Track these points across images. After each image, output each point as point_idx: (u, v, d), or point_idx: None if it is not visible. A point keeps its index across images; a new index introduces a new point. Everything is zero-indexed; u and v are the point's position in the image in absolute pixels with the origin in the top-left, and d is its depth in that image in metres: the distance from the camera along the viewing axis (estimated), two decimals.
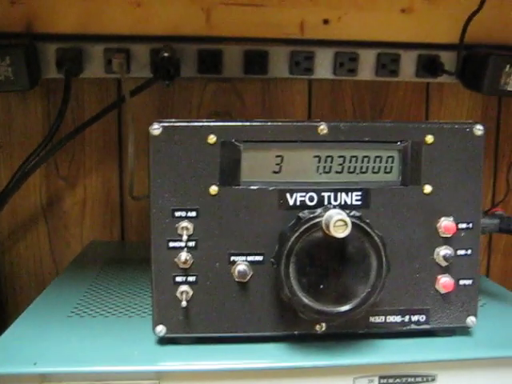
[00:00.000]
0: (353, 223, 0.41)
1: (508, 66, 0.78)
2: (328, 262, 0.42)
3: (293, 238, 0.41)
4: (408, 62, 0.83)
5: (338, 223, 0.39)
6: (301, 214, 0.43)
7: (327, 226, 0.40)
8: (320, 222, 0.41)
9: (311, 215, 0.42)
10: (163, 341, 0.47)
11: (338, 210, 0.41)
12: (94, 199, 0.87)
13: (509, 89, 0.79)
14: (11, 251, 0.87)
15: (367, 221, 0.42)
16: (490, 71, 0.78)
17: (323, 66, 0.82)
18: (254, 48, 0.81)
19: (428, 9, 0.83)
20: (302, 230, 0.41)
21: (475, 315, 0.48)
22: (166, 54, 0.77)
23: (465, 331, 0.49)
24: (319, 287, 0.42)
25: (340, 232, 0.40)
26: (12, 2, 0.78)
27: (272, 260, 0.44)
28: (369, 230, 0.42)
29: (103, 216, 0.87)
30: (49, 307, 0.55)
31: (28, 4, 0.79)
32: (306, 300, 0.42)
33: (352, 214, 0.42)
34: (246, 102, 0.86)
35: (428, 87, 0.88)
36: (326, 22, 0.83)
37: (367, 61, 0.83)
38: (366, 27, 0.83)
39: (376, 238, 0.42)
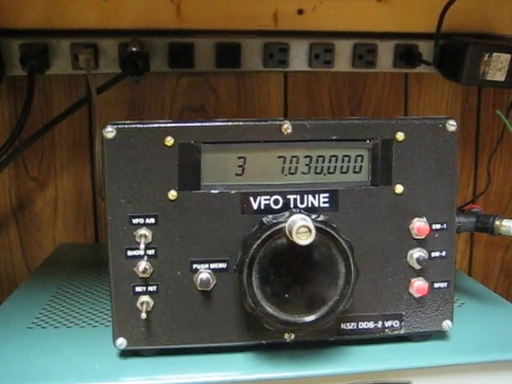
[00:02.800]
0: (318, 228, 0.39)
1: (487, 55, 0.76)
2: (293, 270, 0.40)
3: (255, 246, 0.39)
4: (385, 53, 0.81)
5: (301, 229, 0.37)
6: (264, 219, 0.41)
7: (290, 233, 0.38)
8: (283, 227, 0.39)
9: (274, 221, 0.40)
10: (125, 353, 0.45)
11: (301, 216, 0.39)
12: (66, 200, 0.84)
13: (488, 78, 0.77)
14: None
15: (334, 225, 0.40)
16: (469, 61, 0.76)
17: (298, 58, 0.80)
18: (227, 41, 0.78)
19: None
20: (264, 236, 0.39)
21: (451, 319, 0.46)
22: (134, 49, 0.74)
23: (441, 335, 0.47)
24: (284, 296, 0.40)
25: (303, 239, 0.37)
26: None
27: (234, 268, 0.42)
28: (335, 235, 0.39)
29: (76, 217, 0.85)
30: (10, 318, 0.53)
31: None
32: (270, 310, 0.40)
33: (318, 218, 0.40)
34: (220, 96, 0.84)
35: (407, 78, 0.86)
36: (300, 12, 0.80)
37: (343, 52, 0.80)
38: (342, 17, 0.80)
39: (343, 243, 0.40)
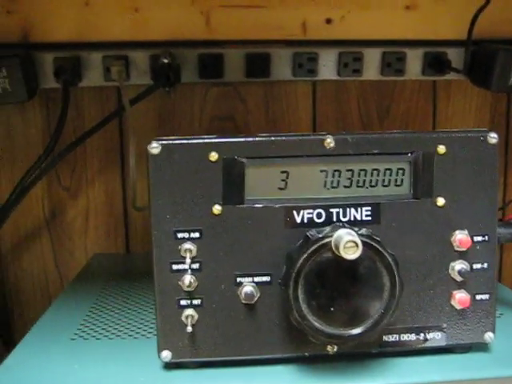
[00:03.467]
0: (363, 242, 0.39)
1: None
2: (338, 283, 0.40)
3: (301, 260, 0.39)
4: (414, 60, 0.81)
5: (348, 244, 0.38)
6: (309, 234, 0.41)
7: (337, 247, 0.38)
8: (329, 242, 0.39)
9: (320, 235, 0.40)
10: (169, 366, 0.45)
11: (347, 230, 0.39)
12: (98, 210, 0.85)
13: None
14: (15, 264, 0.85)
15: (378, 239, 0.40)
16: (499, 67, 0.75)
17: (327, 67, 0.80)
18: (256, 51, 0.79)
19: (433, 4, 0.80)
20: (310, 251, 0.39)
21: (493, 331, 0.46)
22: (165, 61, 0.75)
23: (482, 347, 0.47)
24: (330, 310, 0.40)
25: (350, 253, 0.38)
26: (8, 12, 0.76)
27: (279, 281, 0.42)
28: (380, 248, 0.40)
29: (107, 226, 0.86)
30: (51, 329, 0.54)
31: (23, 13, 0.77)
32: (316, 324, 0.40)
33: (362, 232, 0.40)
34: (248, 106, 0.84)
35: (435, 85, 0.86)
36: (328, 21, 0.80)
37: (372, 60, 0.80)
38: (370, 26, 0.80)
39: (388, 256, 0.40)
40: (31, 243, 0.85)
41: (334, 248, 0.39)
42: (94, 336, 0.52)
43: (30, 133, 0.82)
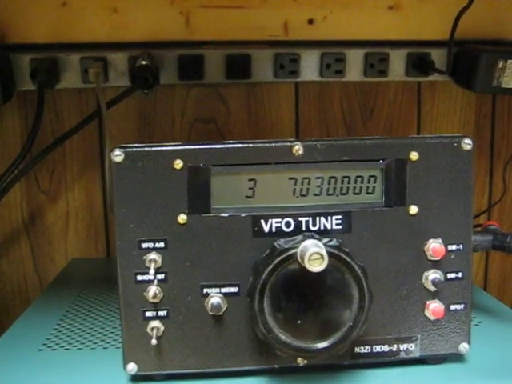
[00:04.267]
0: (331, 253, 0.38)
1: (501, 62, 0.74)
2: (306, 295, 0.39)
3: (266, 272, 0.38)
4: (397, 61, 0.80)
5: (313, 256, 0.36)
6: (276, 243, 0.40)
7: (302, 259, 0.37)
8: (295, 253, 0.38)
9: (286, 246, 0.39)
10: (136, 378, 0.44)
11: (314, 241, 0.38)
12: (77, 213, 0.84)
13: (503, 86, 0.76)
14: None
15: (346, 250, 0.39)
16: (483, 68, 0.74)
17: (309, 68, 0.79)
18: (236, 52, 0.78)
19: (416, 5, 0.79)
20: (275, 262, 0.38)
21: (468, 342, 0.45)
22: (143, 62, 0.73)
23: (458, 358, 0.46)
24: (297, 322, 0.39)
25: (316, 266, 0.36)
26: None
27: (246, 293, 0.41)
28: (349, 260, 0.39)
29: (87, 230, 0.84)
30: (21, 339, 0.53)
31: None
32: (283, 337, 0.39)
33: (330, 243, 0.39)
34: (230, 108, 0.83)
35: (419, 86, 0.85)
36: (310, 21, 0.79)
37: (355, 61, 0.79)
38: (353, 26, 0.79)
39: (357, 268, 0.39)
40: (10, 247, 0.84)
41: (299, 259, 0.38)
42: (62, 346, 0.51)
43: (7, 135, 0.81)
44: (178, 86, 0.80)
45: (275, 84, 0.82)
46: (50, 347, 0.51)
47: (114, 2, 0.77)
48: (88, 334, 0.54)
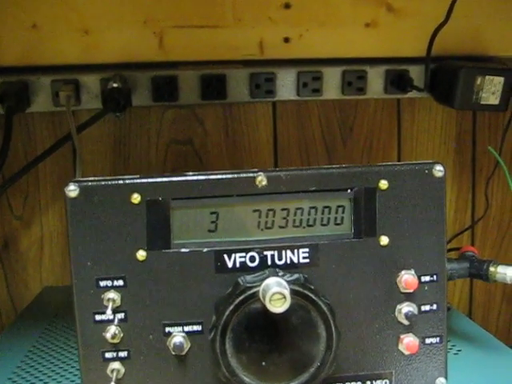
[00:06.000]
0: (295, 292, 0.36)
1: (479, 78, 0.73)
2: (270, 336, 0.37)
3: (227, 312, 0.36)
4: (375, 79, 0.78)
5: (274, 297, 0.34)
6: (240, 280, 0.38)
7: (264, 299, 0.35)
8: (257, 292, 0.36)
9: (248, 284, 0.37)
10: None
11: (276, 279, 0.36)
12: (52, 238, 0.82)
13: (482, 102, 0.74)
14: None
15: (312, 287, 0.37)
16: (461, 85, 0.73)
17: (286, 87, 0.78)
18: (211, 72, 0.76)
19: (393, 22, 0.78)
20: (237, 302, 0.36)
21: (445, 376, 0.43)
22: (114, 85, 0.72)
23: None
24: (261, 364, 0.37)
25: (278, 306, 0.35)
26: None
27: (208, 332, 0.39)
28: (315, 298, 0.37)
29: (62, 256, 0.82)
30: None
31: None
32: (247, 379, 0.37)
33: (295, 280, 0.37)
34: (207, 129, 0.81)
35: (399, 103, 0.83)
36: (286, 40, 0.78)
37: (332, 79, 0.78)
38: (329, 44, 0.78)
39: (323, 305, 0.37)
40: None
41: (261, 299, 0.36)
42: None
43: None
44: (153, 107, 0.79)
45: (252, 104, 0.80)
46: None
47: (85, 23, 0.75)
48: (53, 371, 0.51)
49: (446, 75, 0.75)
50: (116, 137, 0.81)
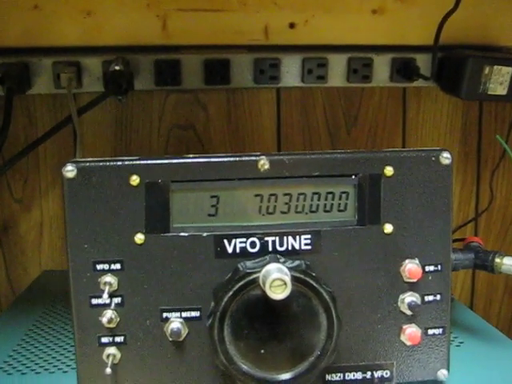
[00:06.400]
0: (297, 278, 0.35)
1: (487, 68, 0.72)
2: (269, 323, 0.36)
3: (226, 298, 0.35)
4: (381, 67, 0.77)
5: (275, 283, 0.34)
6: (240, 266, 0.37)
7: (264, 285, 0.34)
8: (257, 278, 0.35)
9: (248, 270, 0.36)
10: None
11: (277, 265, 0.35)
12: (52, 222, 0.81)
13: (489, 92, 0.73)
14: None
15: (313, 274, 0.36)
16: (469, 74, 0.72)
17: (290, 74, 0.76)
18: (215, 56, 0.75)
19: (401, 9, 0.76)
20: (236, 288, 0.35)
21: (447, 368, 0.42)
22: (116, 68, 0.71)
23: None
24: (260, 352, 0.36)
25: (278, 293, 0.34)
26: None
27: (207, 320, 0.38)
28: (316, 285, 0.36)
29: (62, 240, 0.81)
30: None
31: None
32: (245, 367, 0.36)
33: (296, 266, 0.36)
34: (210, 114, 0.80)
35: (404, 92, 0.82)
36: (291, 25, 0.76)
37: (337, 66, 0.77)
38: (335, 30, 0.77)
39: (325, 293, 0.36)
40: None
41: (261, 285, 0.35)
42: (19, 370, 0.48)
43: None
44: (155, 91, 0.78)
45: (256, 90, 0.79)
46: (6, 371, 0.48)
47: (87, 5, 0.74)
48: (49, 355, 0.51)
49: (454, 64, 0.74)
50: (118, 121, 0.79)
